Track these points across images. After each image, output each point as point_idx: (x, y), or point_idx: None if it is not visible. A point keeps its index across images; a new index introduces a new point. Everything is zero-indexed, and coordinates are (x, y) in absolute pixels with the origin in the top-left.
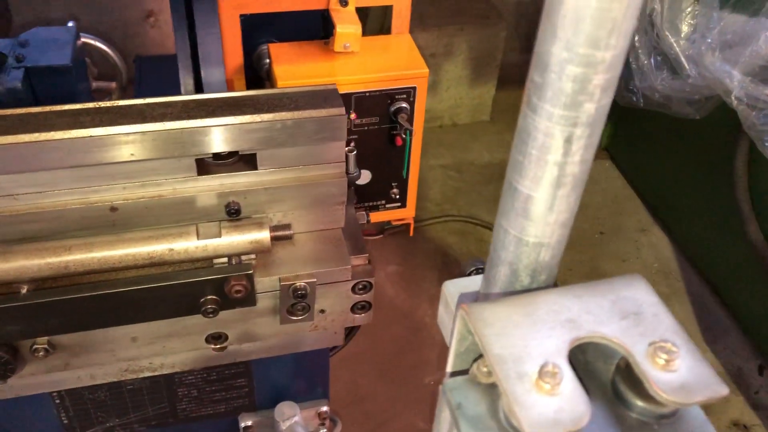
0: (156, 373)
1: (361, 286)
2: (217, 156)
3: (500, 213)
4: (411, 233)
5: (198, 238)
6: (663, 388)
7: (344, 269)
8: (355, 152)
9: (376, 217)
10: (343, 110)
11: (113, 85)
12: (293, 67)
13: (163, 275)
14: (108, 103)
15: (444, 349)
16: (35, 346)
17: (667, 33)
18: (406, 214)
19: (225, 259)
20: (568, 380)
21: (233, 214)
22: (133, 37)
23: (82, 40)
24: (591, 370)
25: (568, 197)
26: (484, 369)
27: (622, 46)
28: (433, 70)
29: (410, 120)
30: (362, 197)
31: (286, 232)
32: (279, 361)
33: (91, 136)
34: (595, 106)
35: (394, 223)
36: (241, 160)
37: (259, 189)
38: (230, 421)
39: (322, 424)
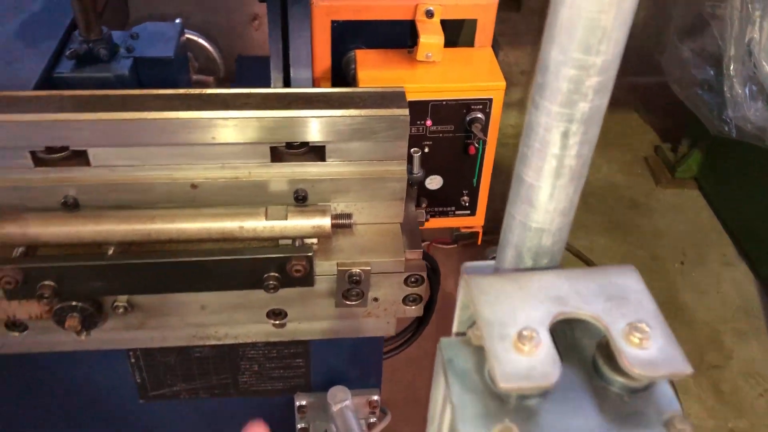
0: (221, 342)
1: (413, 279)
2: (289, 145)
3: (509, 200)
4: (479, 242)
5: (266, 219)
6: (633, 363)
7: (398, 261)
8: (420, 154)
9: (446, 223)
10: (406, 111)
11: (211, 79)
12: (376, 72)
13: (232, 250)
14: (197, 91)
15: None
16: (116, 304)
17: (764, 63)
18: (475, 222)
19: (289, 241)
20: (545, 346)
21: (300, 200)
22: (239, 38)
23: (186, 36)
24: (577, 346)
25: (567, 188)
26: (477, 332)
27: (613, 53)
28: (522, 87)
29: (484, 130)
30: (433, 202)
31: (346, 221)
32: (335, 346)
33: (178, 118)
34: (588, 106)
35: (463, 230)
36: (311, 151)
37: (325, 179)
38: (286, 399)
39: (372, 413)
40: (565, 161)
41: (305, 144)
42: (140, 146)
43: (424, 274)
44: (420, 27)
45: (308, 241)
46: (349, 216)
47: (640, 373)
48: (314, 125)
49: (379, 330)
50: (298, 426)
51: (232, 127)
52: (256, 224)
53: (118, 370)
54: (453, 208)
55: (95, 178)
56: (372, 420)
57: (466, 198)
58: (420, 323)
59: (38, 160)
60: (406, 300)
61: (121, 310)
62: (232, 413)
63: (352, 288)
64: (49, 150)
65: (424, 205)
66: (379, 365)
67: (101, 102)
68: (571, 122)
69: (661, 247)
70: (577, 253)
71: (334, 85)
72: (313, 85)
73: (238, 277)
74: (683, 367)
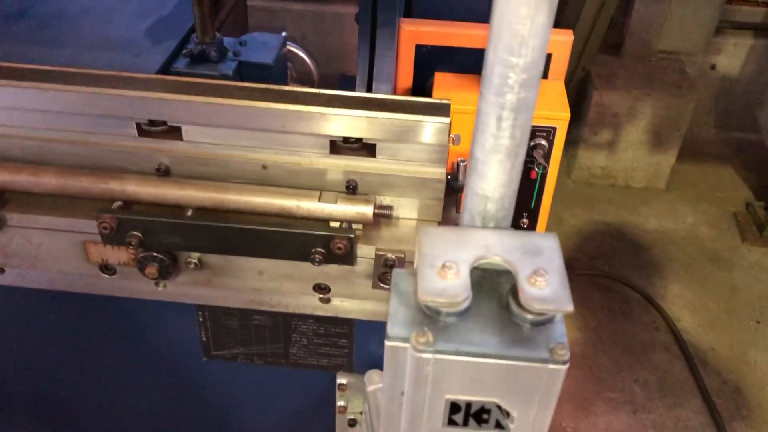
0: (274, 309)
1: None
2: (345, 140)
3: (467, 174)
4: None
5: (319, 201)
6: (528, 297)
7: None
8: (465, 163)
9: None
10: (446, 120)
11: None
12: (450, 93)
13: (288, 224)
14: (276, 87)
15: (560, 395)
16: (188, 260)
17: None
18: None
19: (338, 224)
20: (462, 277)
21: (351, 189)
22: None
23: (288, 48)
24: (499, 289)
25: (504, 163)
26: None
27: (533, 56)
28: (612, 129)
29: (546, 157)
30: None
31: (387, 212)
32: (378, 331)
33: (256, 107)
34: (516, 97)
35: None
36: (364, 148)
37: (373, 173)
38: (329, 376)
39: None
40: (501, 141)
41: (359, 140)
42: (223, 128)
43: None
44: None
45: (355, 226)
46: (389, 208)
47: (532, 305)
48: (365, 124)
49: None
50: (338, 403)
51: (298, 118)
52: (310, 205)
53: (187, 327)
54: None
55: (185, 151)
56: None
57: (525, 220)
58: None
59: (141, 131)
60: None
61: (192, 265)
62: (281, 382)
63: (387, 272)
64: (151, 123)
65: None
66: None
67: (196, 87)
68: (503, 109)
69: (738, 304)
70: (647, 297)
71: None
72: None
73: (289, 248)
74: (566, 305)
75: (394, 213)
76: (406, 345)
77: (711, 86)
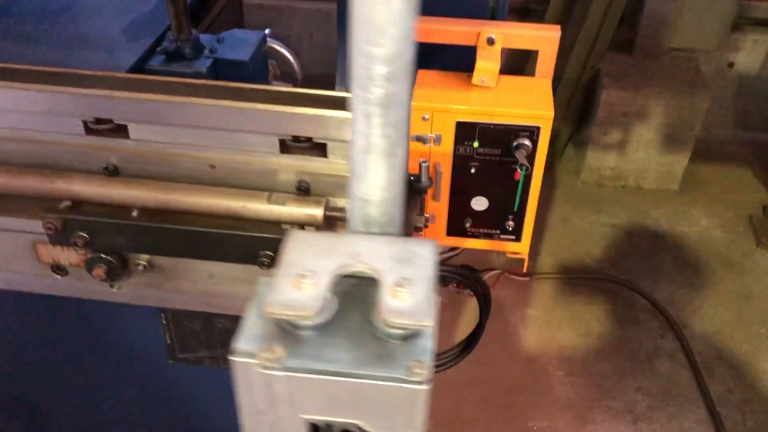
0: (231, 313)
1: None
2: (296, 139)
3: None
4: (524, 269)
5: (267, 203)
6: (385, 310)
7: None
8: (427, 164)
9: (490, 245)
10: None
11: (290, 86)
12: (431, 91)
13: (238, 226)
14: (223, 83)
15: (558, 403)
16: (137, 261)
17: None
18: (520, 249)
19: (289, 226)
20: (319, 288)
21: (303, 191)
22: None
23: (270, 45)
24: (370, 298)
25: (379, 164)
26: None
27: (394, 46)
28: (622, 128)
29: (531, 158)
30: (478, 223)
31: (338, 214)
32: None
33: (199, 104)
34: (383, 91)
35: (509, 256)
36: (315, 147)
37: (325, 174)
38: None
39: None
40: (373, 140)
41: (310, 139)
42: (169, 125)
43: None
44: (479, 53)
45: (307, 228)
46: (342, 210)
47: (389, 318)
48: (313, 122)
49: None
50: None
51: (243, 116)
52: (258, 206)
53: (151, 329)
54: (498, 232)
55: (132, 149)
56: None
57: (510, 223)
58: (465, 348)
59: (88, 129)
60: None
61: (141, 267)
62: None
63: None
64: (98, 121)
65: (467, 225)
66: None
67: (142, 85)
68: (370, 105)
69: (749, 311)
70: (654, 303)
71: None
72: None
73: (236, 251)
74: (426, 320)
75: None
76: (253, 361)
77: (729, 85)
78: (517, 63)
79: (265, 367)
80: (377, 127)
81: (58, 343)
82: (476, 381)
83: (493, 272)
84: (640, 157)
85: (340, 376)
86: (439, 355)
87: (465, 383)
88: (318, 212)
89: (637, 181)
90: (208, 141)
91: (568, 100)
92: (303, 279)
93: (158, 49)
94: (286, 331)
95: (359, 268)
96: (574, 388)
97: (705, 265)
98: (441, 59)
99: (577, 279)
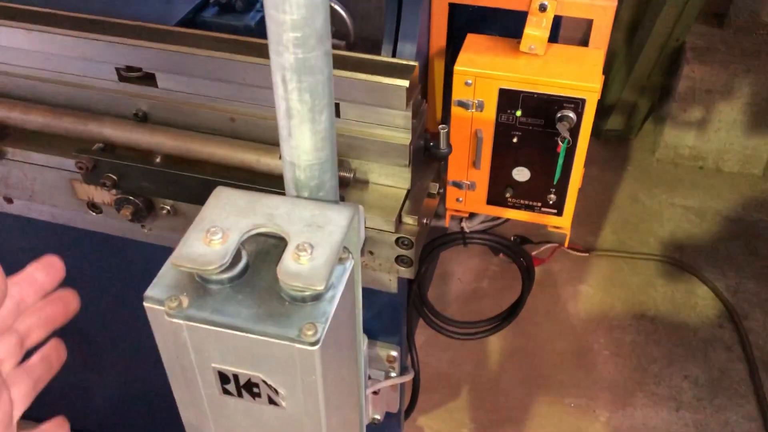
0: None
1: (404, 242)
2: None
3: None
4: (566, 245)
5: (280, 159)
6: (281, 270)
7: (388, 221)
8: (447, 130)
9: (531, 218)
10: (404, 83)
11: (342, 43)
12: (476, 56)
13: (243, 177)
14: (245, 39)
15: (599, 382)
16: (161, 206)
17: None
18: (562, 223)
19: None
20: (226, 244)
21: None
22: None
23: None
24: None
25: (300, 128)
26: None
27: (300, 13)
28: (704, 106)
29: (574, 131)
30: (520, 194)
31: (347, 174)
32: None
33: (218, 57)
34: (293, 57)
35: (550, 229)
36: None
37: (336, 134)
38: None
39: (392, 367)
40: (291, 104)
41: None
42: (192, 77)
43: (414, 239)
44: (529, 19)
45: None
46: (349, 170)
47: (283, 279)
48: None
49: (380, 284)
50: None
51: (259, 71)
52: (270, 161)
53: None
54: (539, 204)
55: (160, 97)
56: (392, 374)
57: (552, 196)
58: (505, 318)
59: (121, 76)
60: (398, 260)
61: (164, 211)
62: None
63: None
64: (129, 69)
65: (508, 195)
66: (400, 324)
67: (168, 36)
68: (284, 70)
69: None
70: (715, 291)
71: (449, 67)
72: (425, 62)
73: None
74: (316, 283)
75: (366, 177)
76: (161, 308)
77: None
78: (580, 35)
79: (169, 315)
80: (294, 92)
81: (100, 277)
82: (519, 352)
83: (549, 245)
84: (721, 137)
85: (237, 330)
86: (479, 323)
87: (508, 353)
88: None
89: (716, 163)
90: (229, 94)
91: (648, 73)
92: (213, 235)
93: (211, 0)
94: (197, 284)
95: (270, 228)
96: (618, 369)
97: None
98: (497, 25)
99: (637, 259)
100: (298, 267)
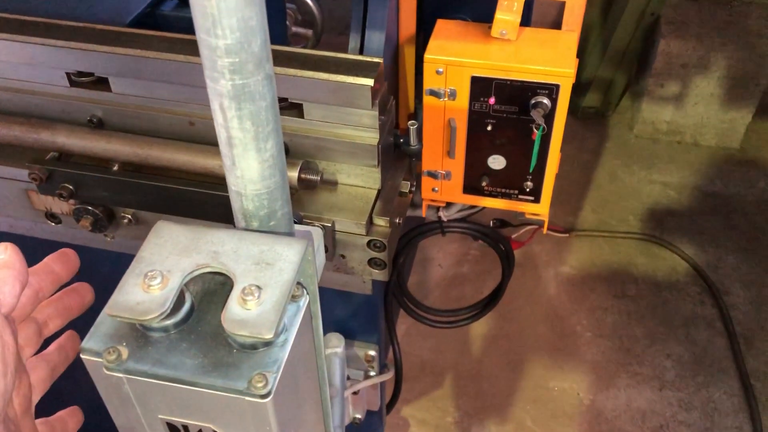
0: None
1: (376, 244)
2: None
3: None
4: (545, 231)
5: None
6: (226, 318)
7: (359, 224)
8: (416, 126)
9: (508, 205)
10: (369, 82)
11: (309, 32)
12: (447, 43)
13: (206, 184)
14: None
15: (582, 365)
16: (122, 215)
17: None
18: (539, 210)
19: None
20: (168, 288)
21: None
22: None
23: None
24: None
25: (244, 157)
26: None
27: (234, 38)
28: (681, 81)
29: (549, 117)
30: (496, 182)
31: (314, 177)
32: (328, 294)
33: (174, 60)
34: (230, 84)
35: (528, 216)
36: (293, 108)
37: (301, 135)
38: None
39: (371, 367)
40: (232, 133)
41: (285, 99)
42: (147, 80)
43: (386, 241)
44: (500, 3)
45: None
46: (316, 172)
47: (226, 327)
48: (290, 82)
49: (354, 287)
50: None
51: None
52: None
53: None
54: (516, 192)
55: (115, 102)
56: (372, 373)
57: (529, 183)
58: (486, 305)
59: (72, 81)
60: (371, 263)
61: (125, 221)
62: None
63: None
64: (81, 74)
65: (484, 183)
66: (377, 323)
67: (119, 37)
68: (221, 97)
69: None
70: (695, 267)
71: (419, 53)
72: (395, 51)
73: (212, 209)
74: (266, 333)
75: (334, 178)
76: (99, 360)
77: None
78: (555, 15)
79: (107, 369)
80: (234, 120)
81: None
82: (501, 337)
83: (529, 227)
84: (699, 111)
85: (181, 383)
86: (460, 310)
87: (490, 338)
88: (293, 174)
89: (694, 138)
90: (186, 97)
91: (624, 48)
92: (151, 279)
93: None
94: (138, 332)
95: (215, 268)
96: (601, 350)
97: (758, 230)
98: (467, 8)
99: (617, 237)
100: (244, 313)
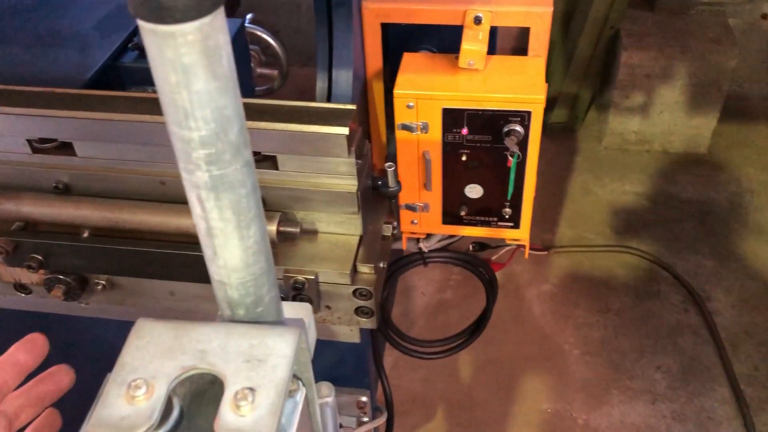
0: None
1: (362, 293)
2: None
3: None
4: (526, 256)
5: None
6: (219, 425)
7: (343, 273)
8: (393, 168)
9: (489, 233)
10: (343, 131)
11: (275, 73)
12: (415, 76)
13: (181, 245)
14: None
15: (573, 384)
16: (96, 281)
17: None
18: (520, 235)
19: None
20: (153, 399)
21: None
22: None
23: (253, 31)
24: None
25: (226, 247)
26: None
27: (209, 129)
28: (645, 91)
29: (523, 144)
30: (474, 211)
31: (293, 229)
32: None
33: (140, 121)
34: (207, 175)
35: (508, 242)
36: (265, 159)
37: (277, 186)
38: None
39: (363, 413)
40: (212, 224)
41: (258, 153)
42: (112, 143)
43: (372, 289)
44: (465, 33)
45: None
46: (295, 224)
47: None
48: (262, 136)
49: (342, 336)
50: None
51: None
52: None
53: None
54: (495, 219)
55: (80, 167)
56: (365, 419)
57: (507, 210)
58: (472, 332)
59: (34, 148)
60: (358, 311)
61: (100, 287)
62: None
63: (296, 294)
64: (43, 140)
65: (463, 213)
66: (366, 369)
67: (82, 101)
68: (199, 189)
69: None
70: (676, 275)
71: (388, 85)
72: (363, 86)
73: (190, 271)
74: None
75: (314, 227)
76: None
77: (762, 38)
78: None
79: None
80: (213, 211)
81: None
82: (489, 362)
83: (508, 247)
84: (665, 120)
85: None
86: (448, 339)
87: (479, 364)
88: (271, 228)
89: (662, 146)
90: (155, 157)
91: (587, 62)
92: (135, 390)
93: (130, 45)
94: None
95: (203, 369)
96: (591, 367)
97: (733, 233)
98: (433, 38)
99: (596, 251)
100: (238, 421)
